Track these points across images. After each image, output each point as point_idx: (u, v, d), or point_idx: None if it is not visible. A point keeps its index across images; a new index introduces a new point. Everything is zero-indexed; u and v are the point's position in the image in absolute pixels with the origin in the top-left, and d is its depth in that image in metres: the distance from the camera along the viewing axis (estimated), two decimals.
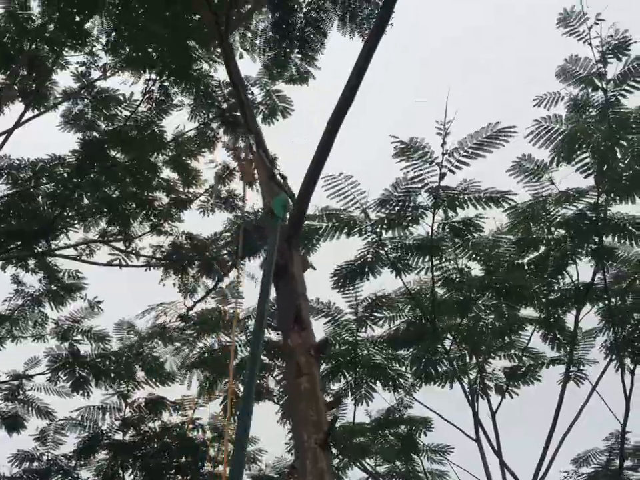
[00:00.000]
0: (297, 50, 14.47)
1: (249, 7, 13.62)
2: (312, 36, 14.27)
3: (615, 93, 11.87)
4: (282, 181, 9.60)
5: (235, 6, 12.37)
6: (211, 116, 15.19)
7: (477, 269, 13.36)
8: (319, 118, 7.93)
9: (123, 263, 15.00)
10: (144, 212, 15.17)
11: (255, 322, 7.99)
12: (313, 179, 8.05)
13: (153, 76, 13.74)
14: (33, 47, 14.16)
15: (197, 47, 13.28)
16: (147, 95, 14.18)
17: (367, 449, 14.96)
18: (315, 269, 9.18)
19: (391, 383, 14.49)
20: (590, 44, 12.01)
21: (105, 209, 15.19)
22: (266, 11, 14.26)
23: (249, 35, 14.61)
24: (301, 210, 8.49)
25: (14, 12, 13.97)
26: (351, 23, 14.21)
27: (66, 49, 13.98)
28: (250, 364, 7.12)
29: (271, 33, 14.40)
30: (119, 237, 15.18)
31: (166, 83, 13.87)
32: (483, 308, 13.85)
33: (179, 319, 15.26)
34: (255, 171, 9.99)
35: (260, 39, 14.57)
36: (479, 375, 14.20)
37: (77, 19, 12.71)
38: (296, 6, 14.03)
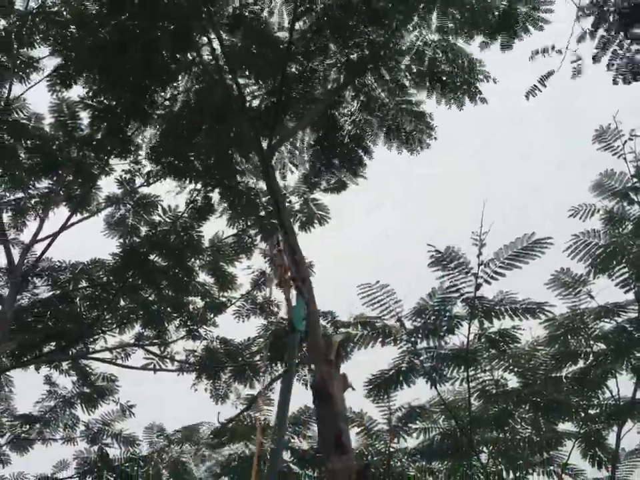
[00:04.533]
0: (340, 165, 14.76)
1: (293, 126, 13.92)
2: (356, 153, 14.62)
3: None
4: (301, 284, 9.73)
5: (279, 128, 12.75)
6: (248, 223, 15.47)
7: (513, 381, 13.12)
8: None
9: (157, 367, 15.02)
10: (180, 316, 15.27)
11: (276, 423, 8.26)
12: None
13: (198, 186, 14.13)
14: (80, 154, 14.68)
15: (239, 159, 13.70)
16: (191, 205, 14.54)
17: None
18: (354, 389, 9.15)
19: None
20: (625, 159, 12.16)
21: (142, 312, 15.34)
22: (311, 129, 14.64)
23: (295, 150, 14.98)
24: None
25: (64, 121, 14.61)
26: (396, 139, 14.61)
27: (112, 157, 14.46)
28: None
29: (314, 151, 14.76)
30: (155, 341, 15.26)
31: (210, 194, 14.27)
32: (519, 421, 13.50)
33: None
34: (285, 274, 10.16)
35: (305, 154, 14.93)
36: None
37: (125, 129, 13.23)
38: (340, 124, 14.44)
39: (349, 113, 14.33)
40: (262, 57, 12.13)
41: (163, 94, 12.58)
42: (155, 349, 15.33)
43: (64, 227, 14.70)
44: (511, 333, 11.98)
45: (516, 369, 12.90)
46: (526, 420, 13.42)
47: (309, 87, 13.27)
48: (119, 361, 15.29)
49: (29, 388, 16.51)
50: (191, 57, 12.24)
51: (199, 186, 13.95)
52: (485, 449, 13.72)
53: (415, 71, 13.79)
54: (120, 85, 11.74)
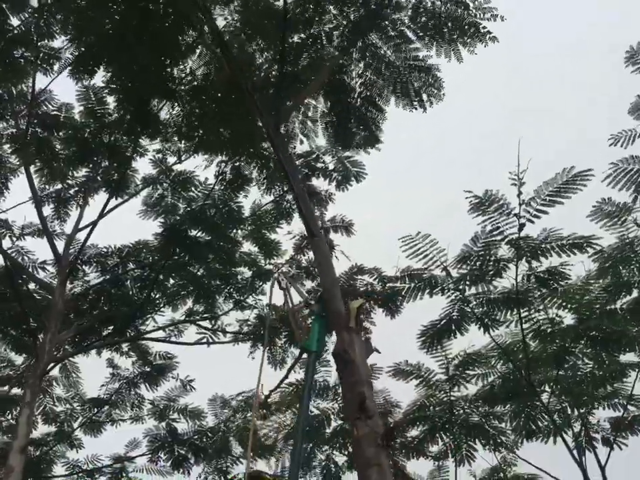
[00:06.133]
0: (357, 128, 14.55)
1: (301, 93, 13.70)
2: (369, 114, 14.38)
3: None
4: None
5: (287, 98, 12.65)
6: (285, 188, 15.41)
7: (568, 318, 12.90)
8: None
9: (210, 340, 15.18)
10: (228, 288, 15.34)
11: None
12: None
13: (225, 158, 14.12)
14: (112, 138, 14.76)
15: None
16: (221, 176, 14.57)
17: None
18: (379, 352, 9.15)
19: (491, 441, 14.04)
20: None
21: (191, 288, 15.48)
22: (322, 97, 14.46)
23: (309, 122, 14.85)
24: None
25: (92, 108, 14.68)
26: (404, 97, 14.27)
27: (142, 138, 14.51)
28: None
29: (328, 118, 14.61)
30: (205, 315, 15.40)
31: (237, 163, 14.25)
32: (580, 357, 13.32)
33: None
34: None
35: (319, 123, 14.79)
36: (583, 428, 13.60)
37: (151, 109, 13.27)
38: (350, 87, 14.21)
39: (358, 75, 14.08)
40: (259, 27, 12.00)
41: (180, 71, 12.60)
42: (206, 324, 15.52)
43: (102, 214, 14.72)
44: (560, 271, 11.75)
45: (569, 306, 12.66)
46: (588, 355, 13.24)
47: (312, 52, 13.05)
48: (173, 339, 15.55)
49: (93, 372, 16.96)
50: (195, 35, 12.15)
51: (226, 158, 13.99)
52: (547, 388, 13.59)
53: (418, 22, 13.45)
54: (137, 65, 11.73)
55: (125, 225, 16.25)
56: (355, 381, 8.10)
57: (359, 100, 14.24)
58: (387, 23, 13.32)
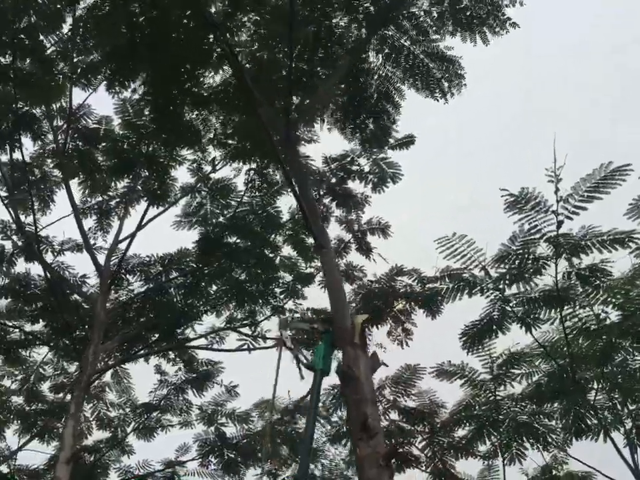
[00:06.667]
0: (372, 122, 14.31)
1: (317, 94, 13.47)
2: (385, 109, 14.11)
3: None
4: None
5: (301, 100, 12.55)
6: (321, 192, 15.35)
7: (614, 314, 12.58)
8: None
9: (251, 347, 15.23)
10: (268, 293, 15.36)
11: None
12: None
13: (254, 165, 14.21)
14: (150, 148, 14.91)
15: None
16: (250, 183, 14.67)
17: None
18: (387, 366, 9.07)
19: (541, 439, 13.84)
20: None
21: (235, 293, 15.55)
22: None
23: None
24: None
25: (130, 120, 14.86)
26: (424, 89, 13.97)
27: (178, 147, 14.63)
28: None
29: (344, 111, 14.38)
30: (245, 322, 15.45)
31: (265, 170, 14.34)
32: (630, 351, 12.99)
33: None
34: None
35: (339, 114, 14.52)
36: (634, 425, 13.27)
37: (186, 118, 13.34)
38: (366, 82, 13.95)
39: (375, 68, 13.78)
40: (270, 28, 11.91)
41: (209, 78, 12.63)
42: (246, 330, 15.58)
43: (141, 224, 14.95)
44: (601, 267, 11.50)
45: (614, 301, 12.36)
46: (638, 349, 12.91)
47: (325, 48, 12.88)
48: (215, 346, 15.68)
49: (143, 378, 17.25)
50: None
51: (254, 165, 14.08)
52: (595, 386, 13.32)
53: (435, 14, 13.22)
54: (163, 74, 11.76)
55: (165, 234, 16.38)
56: (358, 399, 8.01)
57: (374, 94, 14.00)
58: (402, 15, 13.09)
